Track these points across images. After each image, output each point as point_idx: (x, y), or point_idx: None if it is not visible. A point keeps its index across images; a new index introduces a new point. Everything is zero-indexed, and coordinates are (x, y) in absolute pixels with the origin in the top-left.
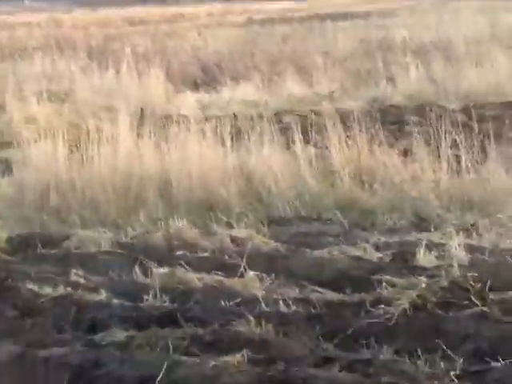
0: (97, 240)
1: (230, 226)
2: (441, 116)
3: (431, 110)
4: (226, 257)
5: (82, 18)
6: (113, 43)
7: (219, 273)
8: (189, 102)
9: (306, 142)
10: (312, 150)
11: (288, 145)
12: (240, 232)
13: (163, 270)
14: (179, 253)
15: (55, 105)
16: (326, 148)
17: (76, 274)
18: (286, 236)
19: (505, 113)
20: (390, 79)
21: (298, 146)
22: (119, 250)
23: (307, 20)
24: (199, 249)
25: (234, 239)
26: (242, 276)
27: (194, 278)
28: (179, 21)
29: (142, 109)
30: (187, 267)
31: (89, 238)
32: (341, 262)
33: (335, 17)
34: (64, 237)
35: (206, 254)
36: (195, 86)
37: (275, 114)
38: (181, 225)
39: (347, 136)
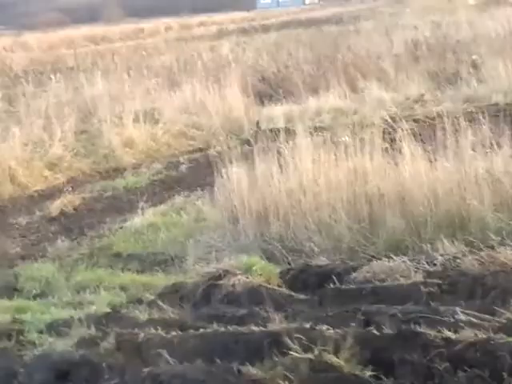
0: (396, 270)
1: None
2: None
3: None
4: None
5: (43, 40)
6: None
7: None
8: (276, 114)
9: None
10: None
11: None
12: None
13: None
14: None
15: (148, 126)
16: None
17: (463, 313)
18: None
19: None
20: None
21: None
22: (435, 280)
23: (287, 27)
24: None
25: None
26: None
27: None
28: (141, 37)
29: (257, 122)
30: None
31: (385, 268)
32: None
33: (309, 23)
34: (345, 269)
35: None
36: (268, 98)
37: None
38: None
39: None
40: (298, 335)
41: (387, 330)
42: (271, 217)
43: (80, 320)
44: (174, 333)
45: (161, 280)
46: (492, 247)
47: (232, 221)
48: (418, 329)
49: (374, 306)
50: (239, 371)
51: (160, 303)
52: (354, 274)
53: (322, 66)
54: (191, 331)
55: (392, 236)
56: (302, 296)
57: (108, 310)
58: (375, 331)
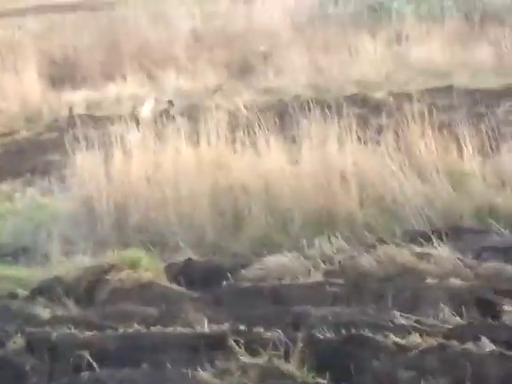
0: (292, 267)
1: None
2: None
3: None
4: None
5: None
6: None
7: None
8: (77, 100)
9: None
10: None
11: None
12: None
13: None
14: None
15: None
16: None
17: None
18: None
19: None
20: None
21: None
22: (338, 281)
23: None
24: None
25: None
26: None
27: None
28: None
29: (70, 108)
30: None
31: (278, 266)
32: None
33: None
34: (233, 265)
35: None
36: (61, 83)
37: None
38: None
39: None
40: (236, 338)
41: (331, 335)
42: (130, 208)
43: None
44: (89, 333)
45: (24, 273)
46: (373, 246)
47: (86, 211)
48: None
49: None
50: (193, 377)
51: (40, 299)
52: (243, 271)
53: (110, 52)
54: (110, 331)
55: (257, 232)
56: (196, 294)
57: None
58: (320, 336)
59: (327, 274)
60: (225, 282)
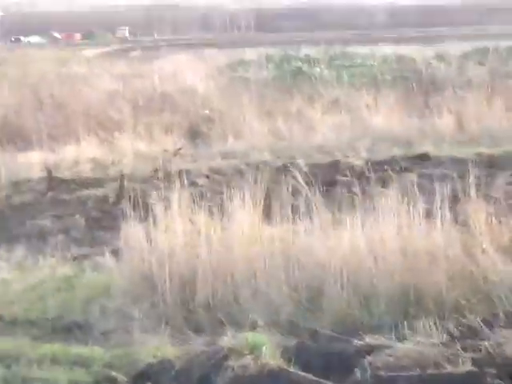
0: (427, 355)
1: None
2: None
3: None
4: None
5: None
6: None
7: None
8: (34, 162)
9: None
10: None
11: None
12: None
13: None
14: None
15: None
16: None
17: None
18: None
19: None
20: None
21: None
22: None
23: None
24: None
25: None
26: None
27: None
28: None
29: (49, 171)
30: None
31: (410, 352)
32: None
33: None
34: (357, 349)
35: None
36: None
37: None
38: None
39: None
40: None
41: None
42: (198, 283)
43: None
44: None
45: (98, 352)
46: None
47: (148, 286)
48: None
49: None
50: None
51: None
52: (369, 358)
53: (54, 114)
54: None
55: (337, 309)
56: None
57: None
58: None
59: (476, 363)
60: (357, 370)
